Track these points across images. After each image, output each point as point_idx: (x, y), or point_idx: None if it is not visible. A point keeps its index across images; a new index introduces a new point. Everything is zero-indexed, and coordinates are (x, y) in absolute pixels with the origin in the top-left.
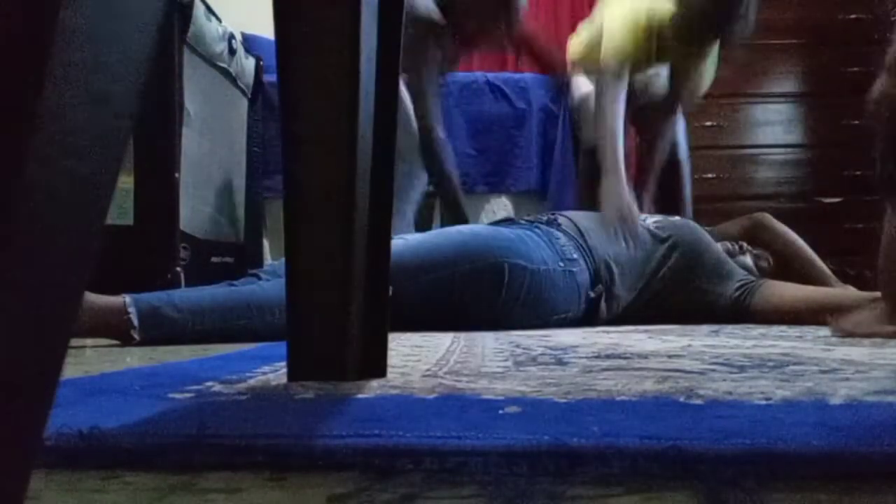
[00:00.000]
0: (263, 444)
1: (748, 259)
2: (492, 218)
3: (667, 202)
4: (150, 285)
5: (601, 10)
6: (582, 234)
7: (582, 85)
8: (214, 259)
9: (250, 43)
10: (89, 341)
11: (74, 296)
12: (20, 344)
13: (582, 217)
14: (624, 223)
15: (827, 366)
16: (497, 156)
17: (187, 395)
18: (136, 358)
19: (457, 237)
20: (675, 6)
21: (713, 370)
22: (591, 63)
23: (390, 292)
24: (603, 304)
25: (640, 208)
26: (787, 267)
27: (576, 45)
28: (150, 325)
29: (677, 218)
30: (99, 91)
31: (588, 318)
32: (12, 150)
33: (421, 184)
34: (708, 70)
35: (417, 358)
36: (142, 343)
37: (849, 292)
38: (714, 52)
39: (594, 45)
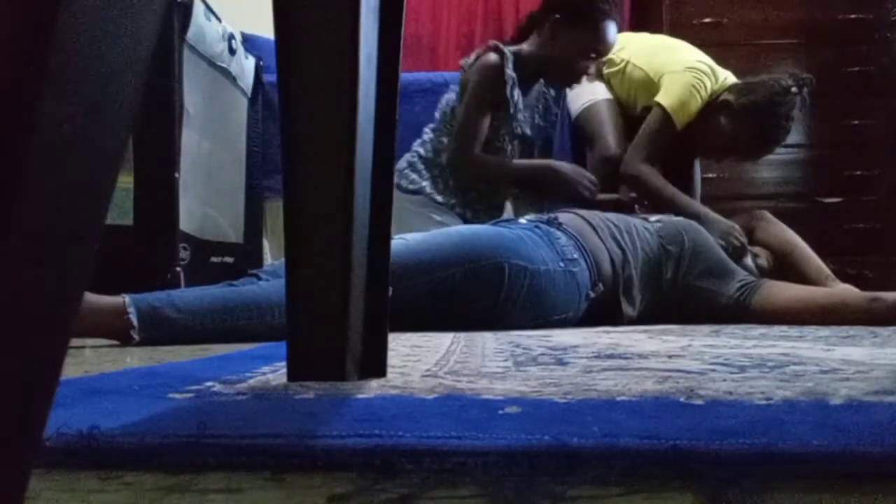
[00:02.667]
0: (263, 444)
1: (748, 258)
2: None
3: None
4: (149, 285)
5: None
6: (588, 231)
7: (584, 94)
8: (214, 259)
9: (250, 43)
10: (89, 341)
11: (74, 296)
12: (20, 344)
13: (593, 216)
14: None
15: (827, 366)
16: None
17: (187, 395)
18: (135, 358)
19: (457, 237)
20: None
21: (713, 370)
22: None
23: (390, 292)
24: (626, 308)
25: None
26: (787, 266)
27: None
28: (149, 325)
29: (680, 218)
30: (99, 91)
31: (610, 319)
32: (12, 151)
33: None
34: None
35: (417, 358)
36: (141, 343)
37: (849, 292)
38: None
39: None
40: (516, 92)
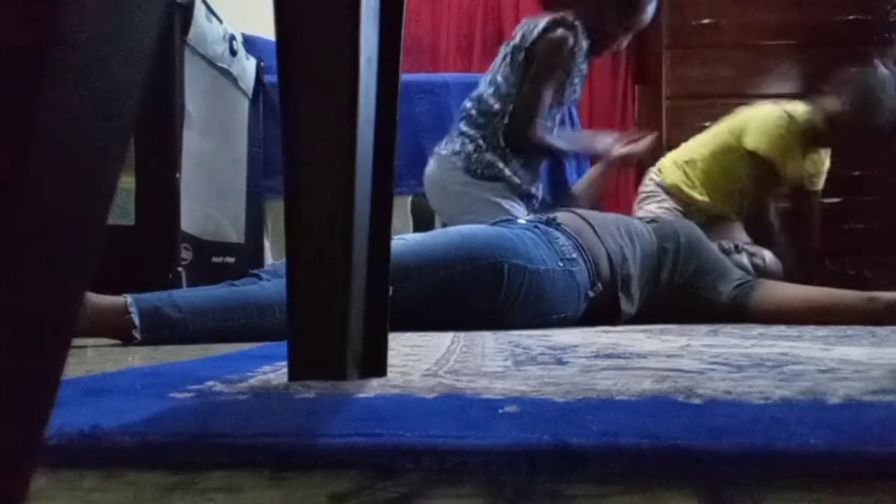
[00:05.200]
0: (264, 444)
1: (744, 258)
2: None
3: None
4: (151, 285)
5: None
6: (587, 231)
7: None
8: (215, 259)
9: (251, 44)
10: (90, 341)
11: (76, 296)
12: (22, 344)
13: (592, 216)
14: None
15: (825, 365)
16: None
17: (188, 394)
18: (137, 357)
19: (457, 237)
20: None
21: (712, 370)
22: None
23: (390, 292)
24: (625, 305)
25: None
26: None
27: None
28: (151, 324)
29: (676, 217)
30: (99, 91)
31: (608, 318)
32: (12, 151)
33: None
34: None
35: (417, 358)
36: (143, 343)
37: (847, 291)
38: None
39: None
40: (584, 66)
